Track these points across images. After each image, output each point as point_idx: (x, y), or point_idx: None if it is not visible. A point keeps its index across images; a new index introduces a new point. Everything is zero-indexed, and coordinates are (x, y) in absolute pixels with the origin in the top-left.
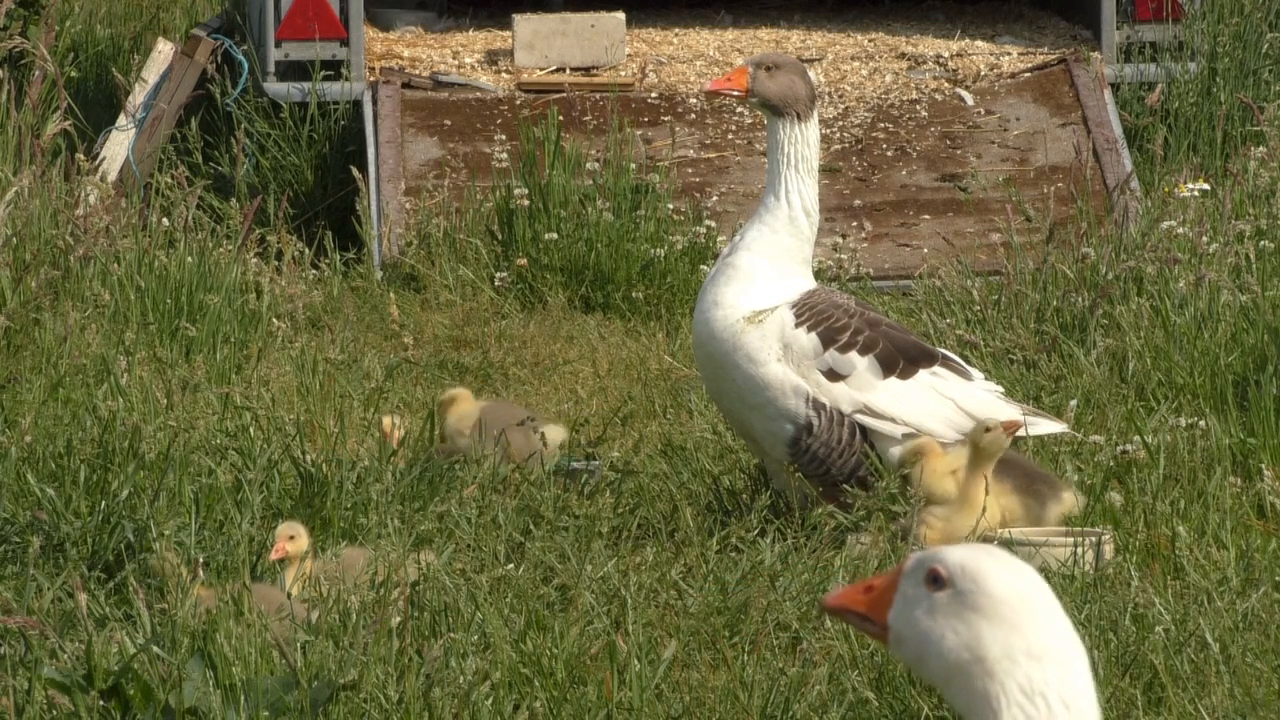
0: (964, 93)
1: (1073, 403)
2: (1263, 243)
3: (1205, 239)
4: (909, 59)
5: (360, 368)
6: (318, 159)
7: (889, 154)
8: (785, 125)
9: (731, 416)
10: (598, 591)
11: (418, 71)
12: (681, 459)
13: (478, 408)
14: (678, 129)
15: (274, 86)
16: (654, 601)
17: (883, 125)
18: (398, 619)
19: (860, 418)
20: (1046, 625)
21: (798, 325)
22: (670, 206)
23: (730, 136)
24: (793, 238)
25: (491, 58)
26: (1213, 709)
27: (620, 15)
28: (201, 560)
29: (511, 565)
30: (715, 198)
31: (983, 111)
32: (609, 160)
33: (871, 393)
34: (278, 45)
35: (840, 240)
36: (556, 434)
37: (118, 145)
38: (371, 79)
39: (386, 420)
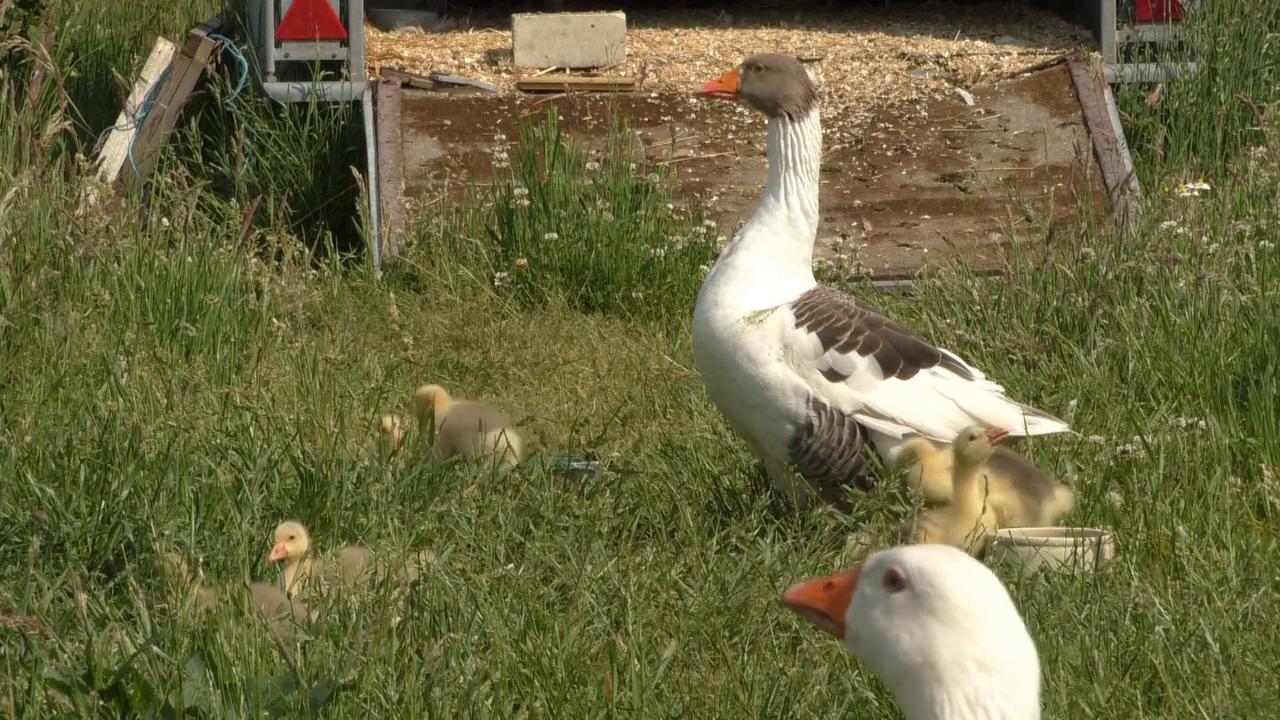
0: (964, 93)
1: (1073, 403)
2: (1263, 243)
3: (1205, 239)
4: (909, 59)
5: (360, 368)
6: (318, 159)
7: (889, 154)
8: (781, 125)
9: (731, 416)
10: (598, 591)
11: (418, 71)
12: (681, 459)
13: (448, 408)
14: (678, 129)
15: (274, 86)
16: (654, 601)
17: (883, 125)
18: (398, 619)
19: (860, 418)
20: (1000, 636)
21: (798, 325)
22: (670, 206)
23: (730, 136)
24: (792, 238)
25: (491, 58)
26: (1213, 709)
27: (620, 15)
28: (201, 560)
29: (511, 565)
30: (715, 198)
31: (983, 111)
32: (609, 160)
33: (872, 393)
34: (278, 45)
35: (840, 240)
36: (513, 438)
37: (118, 145)
38: (371, 79)
39: (387, 420)
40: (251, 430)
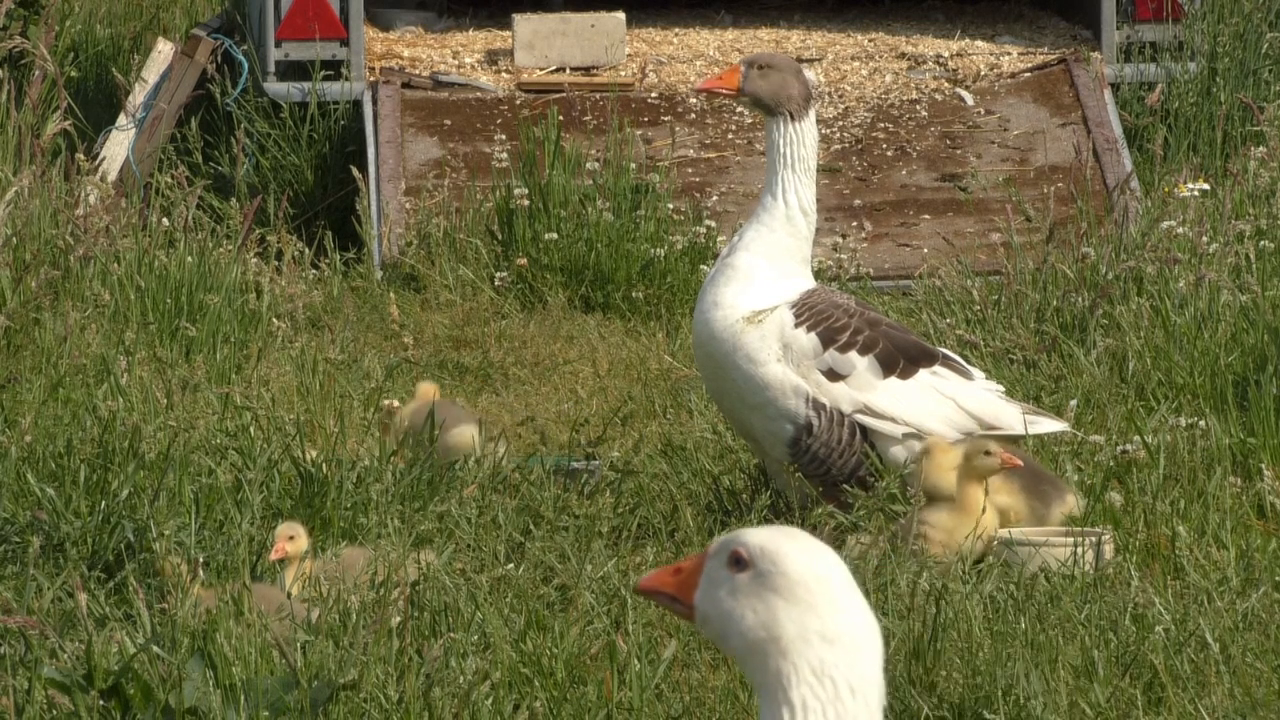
0: (964, 93)
1: (1073, 403)
2: (1263, 243)
3: (1205, 239)
4: (909, 59)
5: (360, 368)
6: (318, 159)
7: (889, 154)
8: (780, 125)
9: (732, 416)
10: (598, 591)
11: (418, 71)
12: (681, 459)
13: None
14: (678, 129)
15: (274, 86)
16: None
17: (883, 125)
18: (398, 619)
19: (860, 418)
20: (841, 608)
21: (797, 325)
22: (670, 206)
23: (730, 136)
24: (791, 237)
25: (491, 58)
26: (1213, 709)
27: (620, 15)
28: (201, 560)
29: (511, 565)
30: (715, 198)
31: (983, 111)
32: (609, 160)
33: (871, 392)
34: (278, 45)
35: (840, 240)
36: (465, 434)
37: (118, 145)
38: (371, 79)
39: (391, 401)
40: (251, 430)
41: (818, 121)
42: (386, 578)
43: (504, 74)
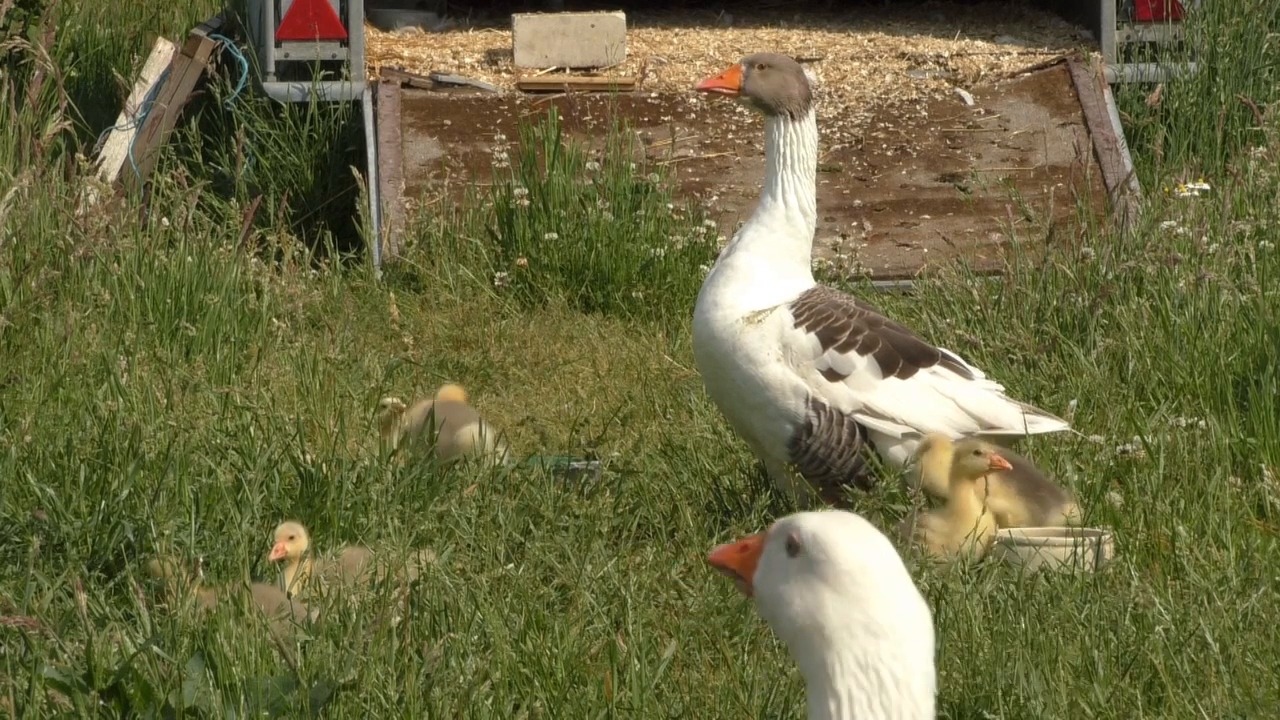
0: (964, 93)
1: (1073, 403)
2: (1263, 243)
3: (1205, 239)
4: (909, 59)
5: (360, 368)
6: (318, 159)
7: (889, 154)
8: (780, 124)
9: (731, 416)
10: (598, 591)
11: (418, 71)
12: (681, 459)
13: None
14: (678, 129)
15: (274, 86)
16: (654, 601)
17: (883, 125)
18: (398, 619)
19: (860, 417)
20: (888, 600)
21: (797, 325)
22: (670, 206)
23: (730, 136)
24: (790, 237)
25: (491, 58)
26: (1213, 709)
27: (620, 15)
28: (201, 560)
29: (511, 565)
30: (715, 198)
31: (983, 111)
32: (609, 160)
33: (871, 392)
34: (278, 45)
35: (840, 240)
36: (467, 434)
37: (118, 145)
38: (371, 79)
39: (392, 400)
40: (251, 430)
41: (818, 121)
42: (386, 578)
43: (504, 74)
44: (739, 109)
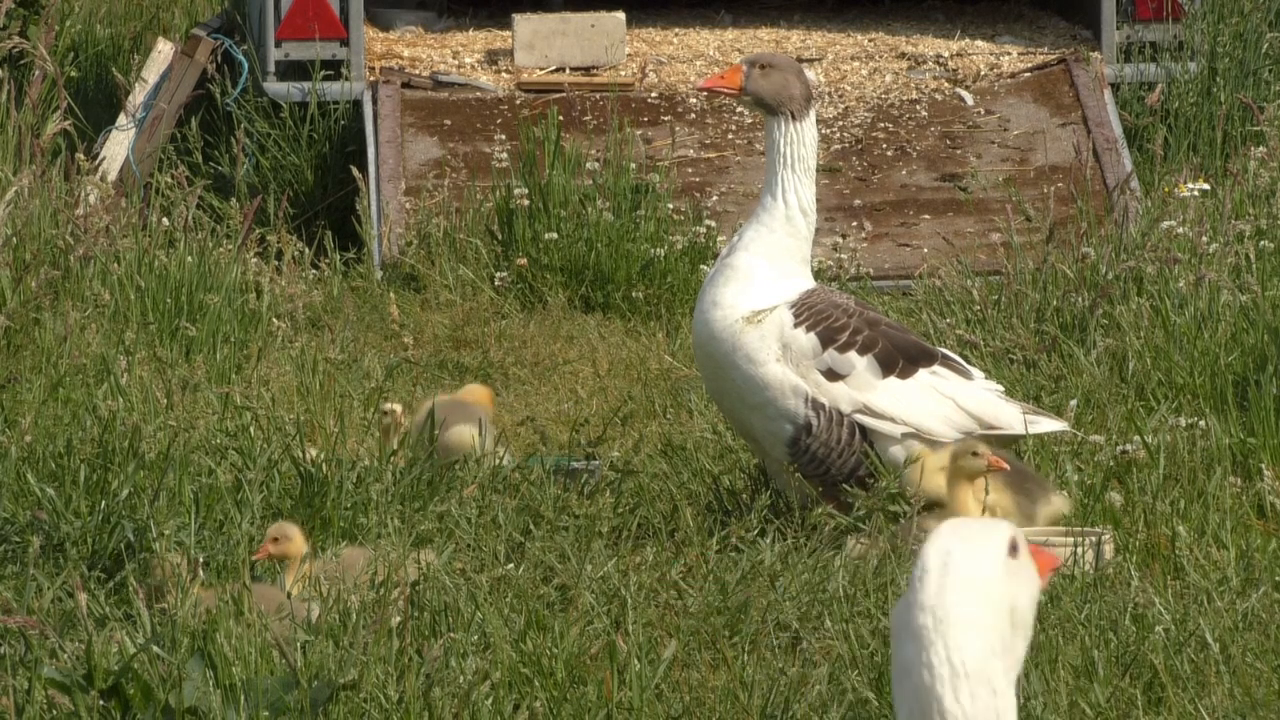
0: (964, 93)
1: (1073, 403)
2: (1263, 243)
3: (1205, 239)
4: (909, 59)
5: (360, 368)
6: (318, 159)
7: (889, 154)
8: (781, 124)
9: (731, 416)
10: (598, 591)
11: (418, 71)
12: (681, 459)
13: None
14: (678, 129)
15: (274, 86)
16: (654, 601)
17: (883, 125)
18: (398, 619)
19: (860, 417)
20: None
21: (796, 325)
22: (670, 206)
23: (730, 136)
24: (790, 237)
25: (491, 58)
26: (1213, 709)
27: (620, 15)
28: (201, 560)
29: (511, 565)
30: (715, 198)
31: (983, 111)
32: (609, 160)
33: (871, 392)
34: (278, 45)
35: (840, 240)
36: (464, 433)
37: (118, 145)
38: (371, 79)
39: (393, 405)
40: (251, 430)
41: (818, 121)
42: (386, 578)
43: (504, 74)
44: (739, 109)
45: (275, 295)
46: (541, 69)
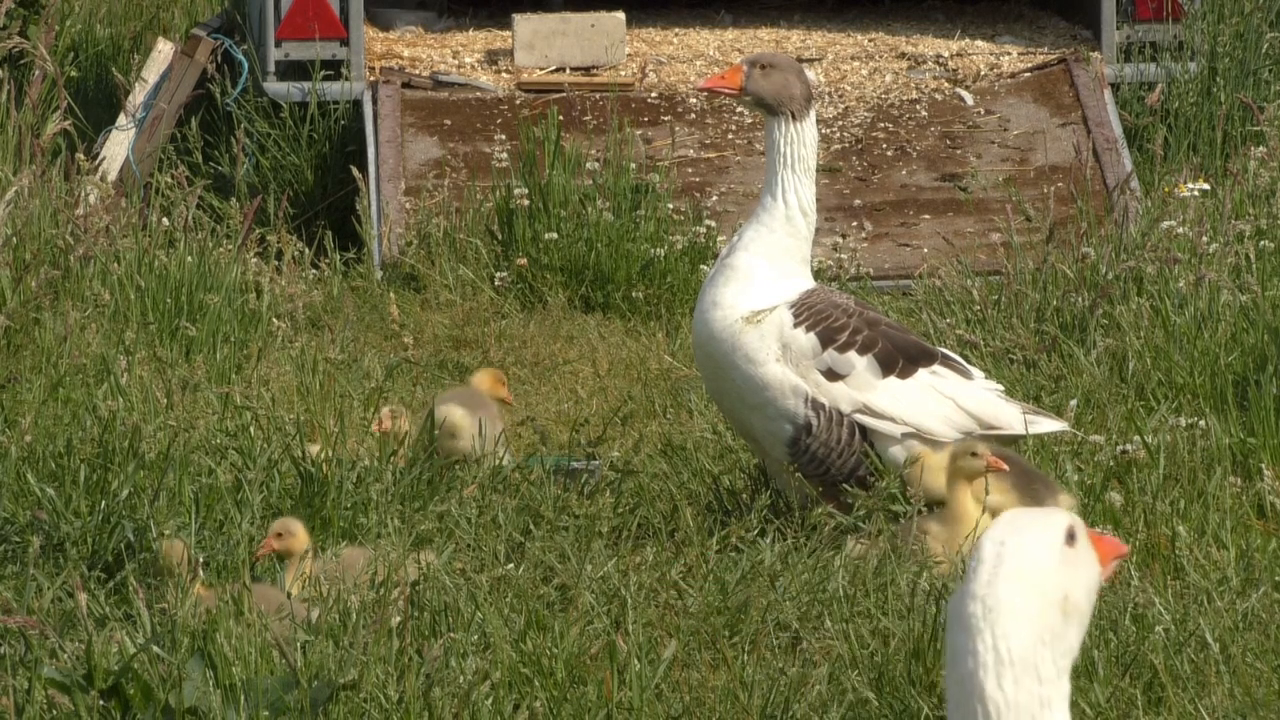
0: (964, 93)
1: (1073, 403)
2: (1263, 243)
3: (1205, 239)
4: (909, 59)
5: (360, 368)
6: (318, 159)
7: (889, 154)
8: (781, 124)
9: (731, 416)
10: (598, 591)
11: (418, 71)
12: (681, 459)
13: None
14: (678, 129)
15: (274, 86)
16: (654, 601)
17: (883, 125)
18: (398, 619)
19: (860, 417)
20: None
21: (796, 325)
22: (670, 206)
23: (730, 136)
24: (790, 237)
25: (491, 58)
26: (1213, 709)
27: (620, 15)
28: (201, 560)
29: (511, 565)
30: (715, 198)
31: (983, 111)
32: (609, 160)
33: (871, 392)
34: (278, 45)
35: (840, 240)
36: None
37: (118, 145)
38: (371, 79)
39: (385, 411)
40: (251, 430)
41: (818, 121)
42: (386, 578)
43: (504, 74)
44: (739, 109)
45: (275, 295)
46: (541, 69)
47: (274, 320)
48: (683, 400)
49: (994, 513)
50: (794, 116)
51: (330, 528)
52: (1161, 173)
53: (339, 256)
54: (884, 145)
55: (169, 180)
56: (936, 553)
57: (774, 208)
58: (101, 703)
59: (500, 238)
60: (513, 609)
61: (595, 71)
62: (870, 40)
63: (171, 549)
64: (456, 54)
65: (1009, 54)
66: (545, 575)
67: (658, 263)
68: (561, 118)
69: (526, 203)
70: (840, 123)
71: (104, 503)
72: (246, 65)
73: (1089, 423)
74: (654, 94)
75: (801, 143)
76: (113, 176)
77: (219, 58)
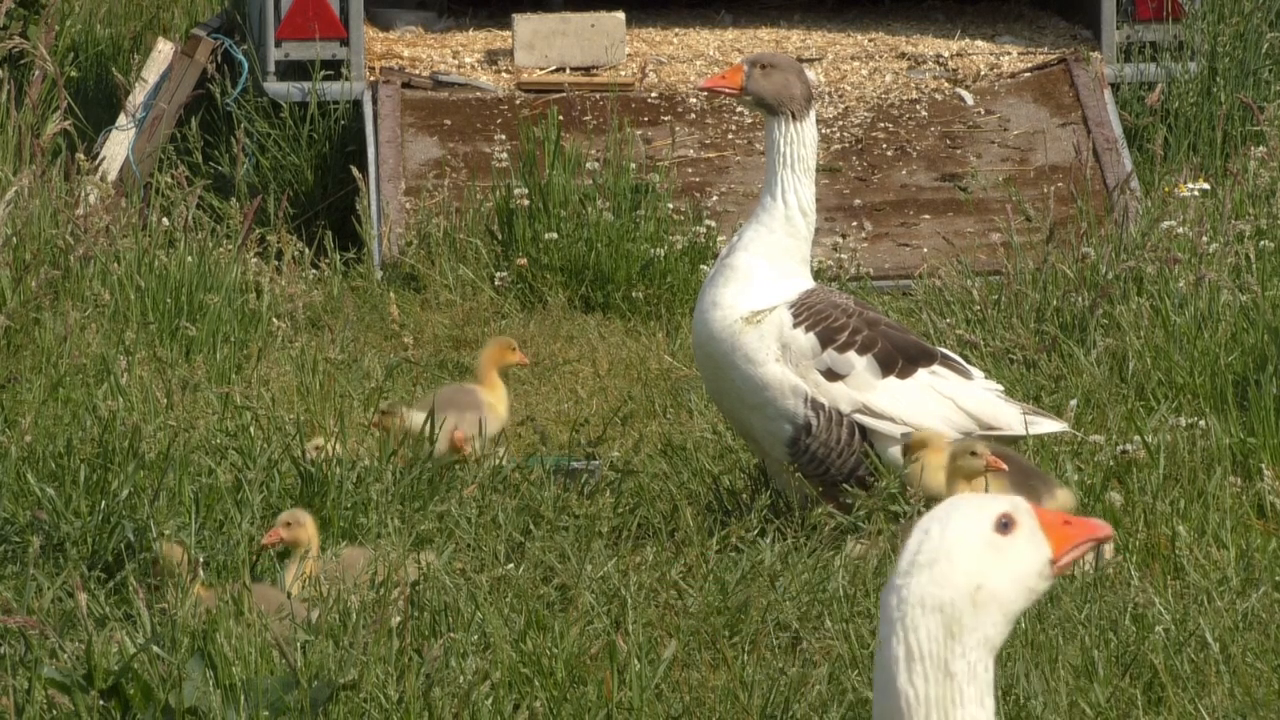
0: (964, 93)
1: (1073, 403)
2: (1263, 243)
3: (1205, 239)
4: (909, 59)
5: (360, 368)
6: (318, 159)
7: (889, 154)
8: (781, 124)
9: (731, 416)
10: (598, 591)
11: (418, 71)
12: (681, 459)
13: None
14: (678, 129)
15: (274, 86)
16: (654, 601)
17: (883, 125)
18: (398, 619)
19: (859, 417)
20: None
21: (796, 325)
22: (670, 206)
23: (730, 136)
24: (790, 237)
25: (491, 58)
26: (1213, 709)
27: (620, 15)
28: (201, 560)
29: (511, 565)
30: (715, 198)
31: (983, 111)
32: (609, 160)
33: (870, 392)
34: (278, 45)
35: (840, 240)
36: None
37: (118, 145)
38: (371, 79)
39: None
40: (251, 430)
41: (818, 121)
42: (386, 578)
43: (504, 74)
44: (739, 109)
45: (275, 295)
46: (541, 69)
47: (274, 320)
48: (683, 400)
49: None
50: (794, 116)
51: (330, 528)
52: (1161, 173)
53: (339, 256)
54: (884, 145)
55: (169, 180)
56: None
57: (774, 208)
58: (101, 703)
59: (500, 238)
60: (513, 609)
61: (595, 71)
62: (870, 40)
63: (171, 552)
64: (456, 54)
65: (1009, 54)
66: (545, 575)
67: (658, 263)
68: (561, 118)
69: (526, 203)
70: (840, 123)
71: (104, 503)
72: (246, 65)
73: (1089, 423)
74: (654, 94)
75: (801, 143)
76: (113, 176)
77: (219, 58)
